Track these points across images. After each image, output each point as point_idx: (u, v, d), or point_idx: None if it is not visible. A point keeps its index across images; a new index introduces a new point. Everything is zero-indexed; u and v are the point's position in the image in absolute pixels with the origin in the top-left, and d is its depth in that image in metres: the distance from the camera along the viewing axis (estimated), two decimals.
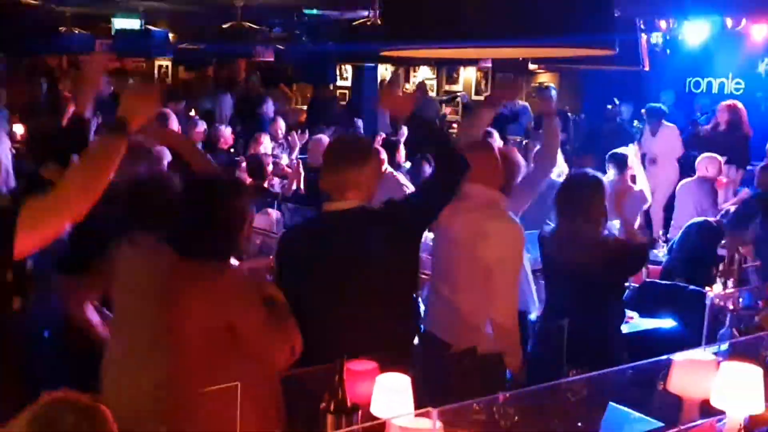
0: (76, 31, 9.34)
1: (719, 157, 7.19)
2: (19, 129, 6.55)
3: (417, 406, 2.47)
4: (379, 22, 5.91)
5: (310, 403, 2.59)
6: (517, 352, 3.58)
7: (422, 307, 4.35)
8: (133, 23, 9.91)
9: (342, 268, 3.06)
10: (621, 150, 6.55)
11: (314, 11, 8.62)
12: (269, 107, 10.39)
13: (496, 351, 3.58)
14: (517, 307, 3.72)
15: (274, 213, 6.33)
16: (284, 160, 8.24)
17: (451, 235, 3.64)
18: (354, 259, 3.06)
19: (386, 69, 13.80)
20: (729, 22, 8.99)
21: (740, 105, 8.95)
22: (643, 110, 9.41)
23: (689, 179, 7.28)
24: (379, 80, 12.70)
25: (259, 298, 2.74)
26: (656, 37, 10.03)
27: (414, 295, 3.37)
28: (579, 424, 2.98)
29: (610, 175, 6.16)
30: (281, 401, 2.79)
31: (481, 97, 13.60)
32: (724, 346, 3.09)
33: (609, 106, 10.34)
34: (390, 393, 2.54)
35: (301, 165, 7.32)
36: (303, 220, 3.75)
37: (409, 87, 14.46)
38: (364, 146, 3.28)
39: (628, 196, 5.83)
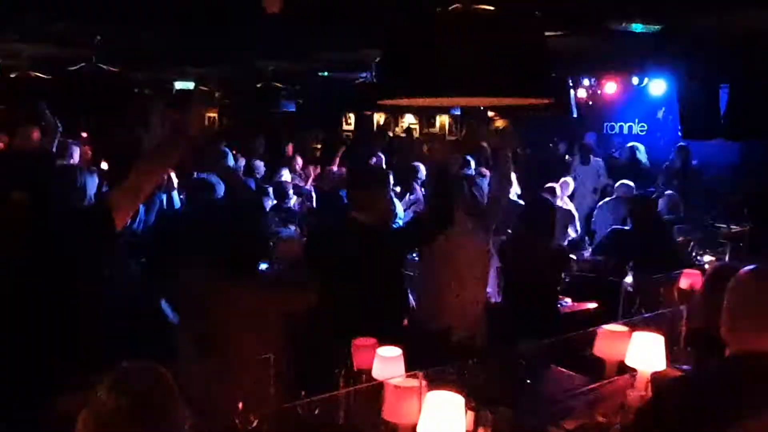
0: (146, 91, 9.38)
1: (631, 183, 7.21)
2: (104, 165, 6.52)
3: (407, 370, 2.48)
4: (374, 81, 5.96)
5: (326, 370, 2.60)
6: (483, 334, 3.54)
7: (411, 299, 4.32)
8: (189, 84, 9.96)
9: (347, 258, 3.11)
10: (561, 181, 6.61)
11: (326, 73, 8.69)
12: (289, 146, 10.40)
13: (468, 336, 3.53)
14: (483, 298, 3.72)
15: (293, 228, 6.32)
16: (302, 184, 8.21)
17: (431, 248, 3.63)
18: (356, 254, 3.11)
19: (381, 116, 13.82)
20: (635, 80, 9.07)
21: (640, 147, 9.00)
22: (576, 147, 9.46)
23: (608, 198, 7.27)
24: (375, 123, 12.73)
25: (280, 293, 2.77)
26: (582, 91, 10.11)
27: (396, 289, 3.34)
28: (528, 381, 2.99)
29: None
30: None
31: (455, 137, 13.61)
32: (635, 321, 3.10)
33: (551, 144, 10.37)
34: (387, 361, 2.56)
35: (314, 190, 7.32)
36: (332, 218, 3.79)
37: (398, 129, 14.47)
38: (381, 177, 3.37)
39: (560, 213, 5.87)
